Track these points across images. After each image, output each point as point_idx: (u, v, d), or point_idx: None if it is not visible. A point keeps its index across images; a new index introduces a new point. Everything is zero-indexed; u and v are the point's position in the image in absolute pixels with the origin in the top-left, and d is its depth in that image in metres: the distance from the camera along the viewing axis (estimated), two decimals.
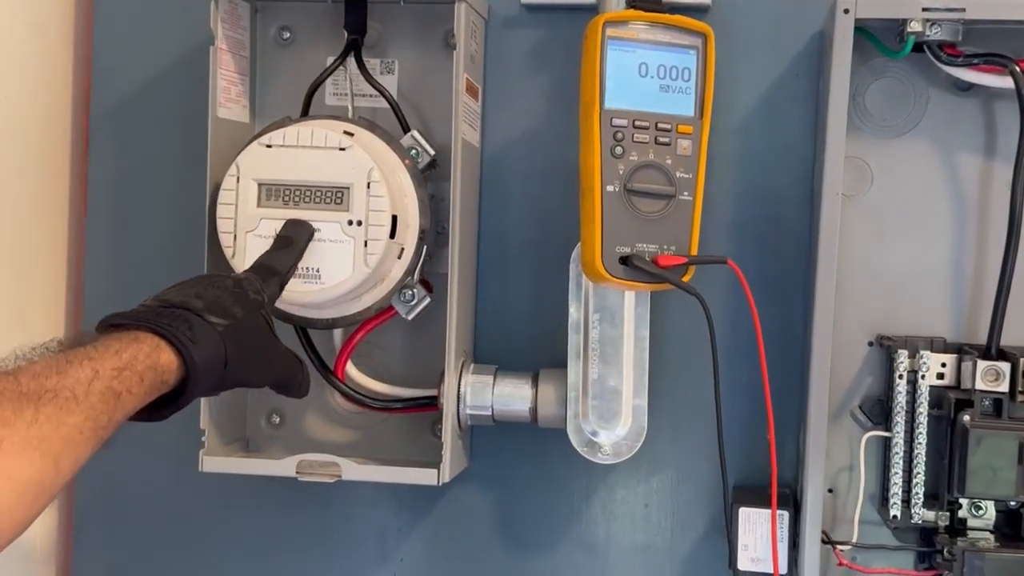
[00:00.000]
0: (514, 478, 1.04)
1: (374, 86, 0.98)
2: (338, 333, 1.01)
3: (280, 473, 0.95)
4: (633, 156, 0.87)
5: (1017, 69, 0.89)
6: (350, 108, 1.00)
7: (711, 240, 0.96)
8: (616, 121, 0.87)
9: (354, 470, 0.95)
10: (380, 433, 1.04)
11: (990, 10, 0.87)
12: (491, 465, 1.04)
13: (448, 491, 1.03)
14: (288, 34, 1.03)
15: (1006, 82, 0.90)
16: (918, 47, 0.90)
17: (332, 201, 0.89)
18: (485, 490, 1.04)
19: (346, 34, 0.99)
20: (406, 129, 0.98)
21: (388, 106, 0.98)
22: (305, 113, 0.99)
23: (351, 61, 0.99)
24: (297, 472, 0.95)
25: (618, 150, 0.87)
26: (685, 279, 0.88)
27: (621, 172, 0.87)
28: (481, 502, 1.04)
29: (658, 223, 0.87)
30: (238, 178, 0.90)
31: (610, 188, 0.87)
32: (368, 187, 0.88)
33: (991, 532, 0.93)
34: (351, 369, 1.01)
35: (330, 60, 1.00)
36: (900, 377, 0.94)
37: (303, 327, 0.98)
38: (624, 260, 0.86)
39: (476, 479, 1.04)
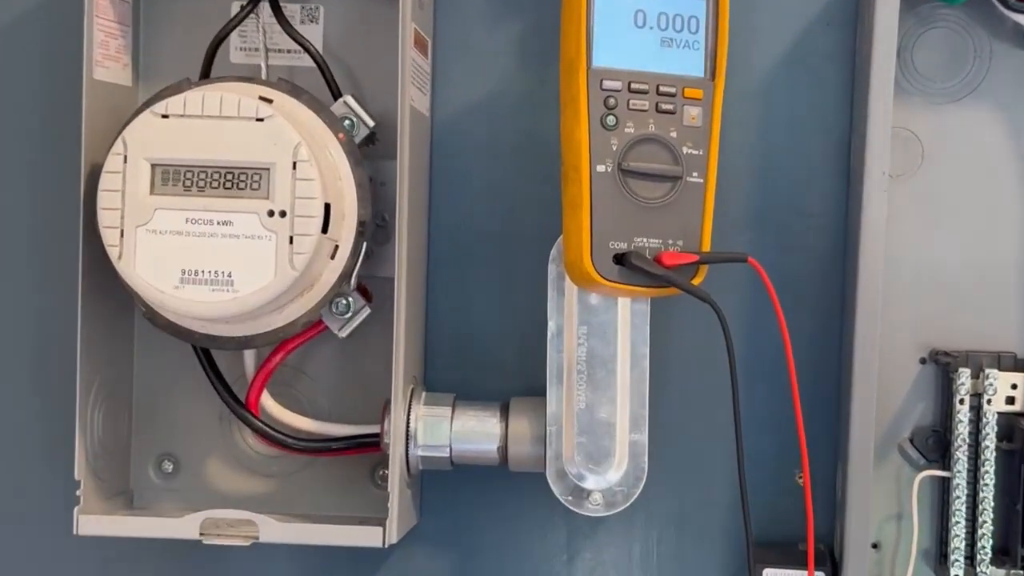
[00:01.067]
0: (477, 536, 1.06)
1: (295, 39, 1.00)
2: (251, 355, 1.02)
3: (179, 535, 0.96)
4: (629, 128, 0.89)
5: None
6: (263, 67, 1.01)
7: (726, 233, 0.99)
8: (607, 84, 0.89)
9: (275, 530, 0.96)
10: (304, 482, 1.06)
11: None
12: (448, 521, 1.06)
13: (394, 554, 1.05)
14: None
15: None
16: None
17: (248, 186, 0.90)
18: (441, 553, 1.07)
19: None
20: (337, 94, 0.99)
21: (312, 65, 1.00)
22: (206, 75, 1.00)
23: (264, 7, 1.00)
24: (201, 533, 0.95)
25: (610, 120, 0.89)
26: (695, 282, 0.91)
27: (615, 148, 0.89)
28: (436, 568, 1.07)
29: (661, 212, 0.90)
30: (125, 157, 0.90)
31: (601, 168, 0.89)
32: (294, 168, 0.89)
33: None
34: (267, 401, 1.02)
35: (236, 6, 1.02)
36: (961, 402, 0.97)
37: (206, 348, 0.99)
38: (619, 259, 0.89)
39: (429, 539, 1.06)
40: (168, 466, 1.06)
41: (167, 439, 1.06)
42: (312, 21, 1.04)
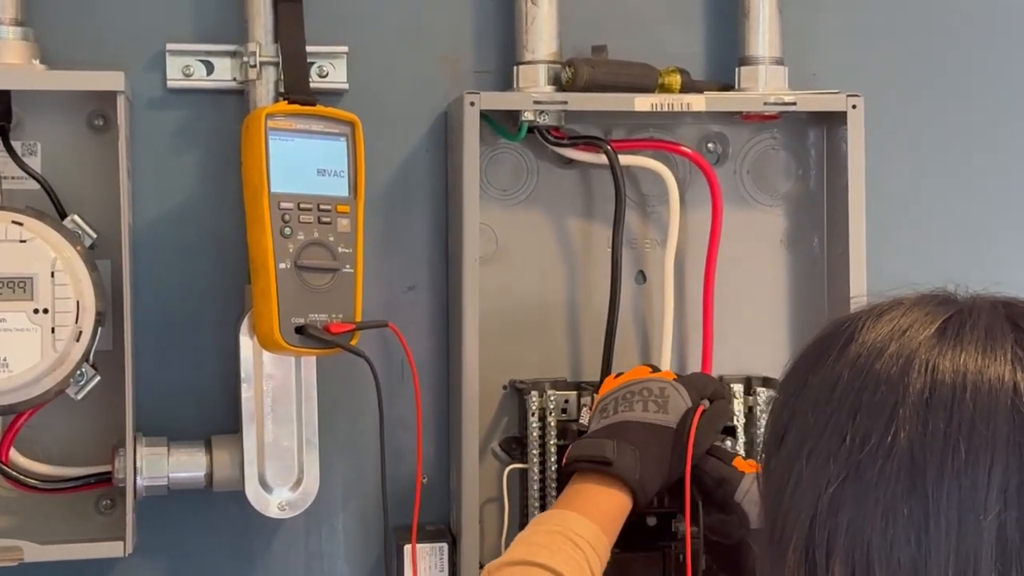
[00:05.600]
0: (190, 545, 1.35)
1: (28, 172, 1.26)
2: None
3: None
4: (300, 235, 1.21)
5: (609, 148, 1.34)
6: None
7: (375, 307, 1.33)
8: (283, 204, 1.20)
9: (37, 551, 1.22)
10: (42, 515, 1.30)
11: (585, 102, 1.32)
12: (166, 535, 1.34)
13: (122, 564, 1.31)
14: None
15: (601, 158, 1.35)
16: (531, 129, 1.33)
17: (16, 291, 1.16)
18: (161, 561, 1.34)
19: None
20: (62, 213, 1.25)
21: (34, 188, 1.26)
22: None
23: None
24: None
25: (287, 230, 1.20)
26: (353, 343, 1.24)
27: (291, 250, 1.20)
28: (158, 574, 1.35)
29: (326, 294, 1.22)
30: None
31: (282, 265, 1.20)
32: (52, 276, 1.16)
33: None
34: (12, 452, 1.26)
35: None
36: (533, 415, 1.33)
37: None
38: (300, 330, 1.20)
39: (152, 551, 1.33)
40: None
41: None
42: (31, 154, 1.29)
